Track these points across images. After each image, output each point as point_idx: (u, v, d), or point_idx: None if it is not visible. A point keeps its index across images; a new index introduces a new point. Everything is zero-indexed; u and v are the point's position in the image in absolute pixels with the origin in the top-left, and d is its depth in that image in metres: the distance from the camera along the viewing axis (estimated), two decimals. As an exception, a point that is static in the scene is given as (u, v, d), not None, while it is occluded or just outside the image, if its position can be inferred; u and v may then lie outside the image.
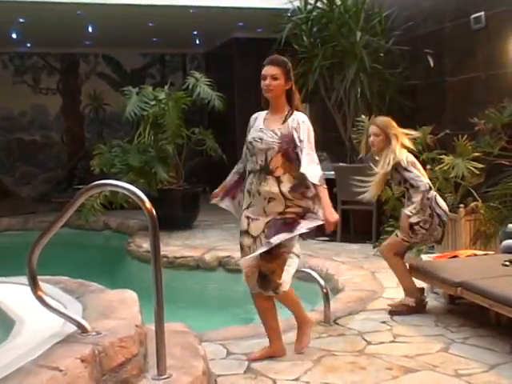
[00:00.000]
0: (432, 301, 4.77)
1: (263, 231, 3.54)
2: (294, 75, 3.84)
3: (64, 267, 5.31)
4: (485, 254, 5.13)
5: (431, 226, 4.42)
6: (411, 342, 3.95)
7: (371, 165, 4.69)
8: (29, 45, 12.18)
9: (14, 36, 10.94)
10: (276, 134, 3.57)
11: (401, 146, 4.45)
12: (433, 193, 4.48)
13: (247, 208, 3.64)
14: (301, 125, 3.58)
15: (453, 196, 6.19)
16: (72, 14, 9.28)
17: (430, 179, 4.67)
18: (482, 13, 6.59)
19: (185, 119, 8.94)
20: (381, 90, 7.75)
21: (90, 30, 10.60)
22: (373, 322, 4.36)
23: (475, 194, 6.14)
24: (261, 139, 3.60)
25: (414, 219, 4.38)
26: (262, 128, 3.63)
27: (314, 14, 8.12)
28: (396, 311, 4.52)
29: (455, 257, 5.05)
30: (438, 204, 4.46)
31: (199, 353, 3.05)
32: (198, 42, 12.36)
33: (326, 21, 8.06)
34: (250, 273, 3.60)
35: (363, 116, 6.89)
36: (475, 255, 5.09)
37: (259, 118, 3.72)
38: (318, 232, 6.59)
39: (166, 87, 8.92)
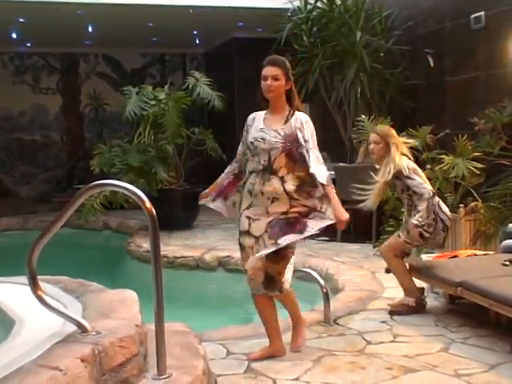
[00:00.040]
0: (432, 301, 4.77)
1: (266, 231, 3.53)
2: (294, 75, 3.84)
3: (64, 267, 5.29)
4: (485, 254, 5.14)
5: (435, 230, 4.42)
6: (411, 341, 3.95)
7: (371, 164, 4.69)
8: (29, 44, 12.15)
9: (13, 36, 10.93)
10: (279, 134, 3.57)
11: (400, 154, 4.46)
12: (436, 198, 4.48)
13: (247, 208, 3.62)
14: (304, 125, 3.58)
15: (453, 196, 6.19)
16: (72, 13, 9.27)
17: (430, 179, 4.67)
18: (482, 13, 6.60)
19: (185, 119, 8.94)
20: (381, 90, 7.75)
21: (90, 29, 10.59)
22: (373, 322, 4.36)
23: (475, 194, 6.14)
24: (263, 139, 3.58)
25: (417, 222, 4.39)
26: (263, 128, 3.62)
27: (314, 13, 8.13)
28: (396, 311, 4.52)
29: (455, 257, 5.06)
30: (441, 209, 4.45)
31: (199, 352, 3.04)
32: (197, 41, 12.35)
33: (325, 21, 8.07)
34: (255, 275, 3.58)
35: (363, 116, 6.90)
36: (475, 255, 5.09)
37: (257, 118, 3.70)
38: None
39: (165, 87, 8.92)
